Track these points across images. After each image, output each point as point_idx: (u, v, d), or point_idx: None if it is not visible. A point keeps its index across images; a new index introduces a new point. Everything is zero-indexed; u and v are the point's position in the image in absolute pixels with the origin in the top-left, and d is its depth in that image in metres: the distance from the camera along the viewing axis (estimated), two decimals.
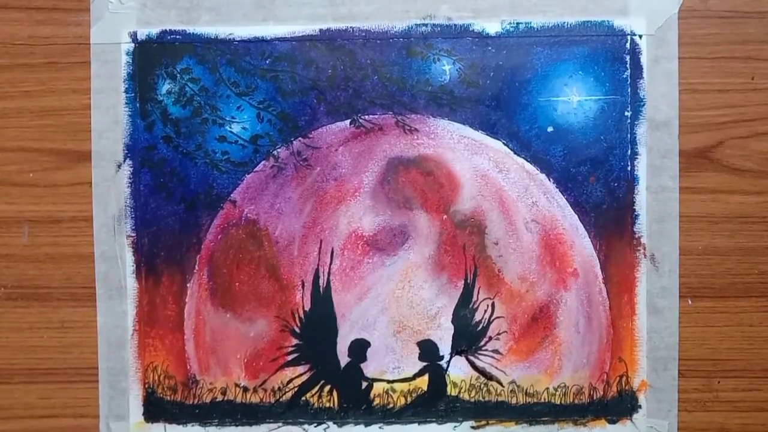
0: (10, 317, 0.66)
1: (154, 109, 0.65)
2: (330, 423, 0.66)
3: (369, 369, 0.65)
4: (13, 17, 0.65)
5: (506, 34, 0.64)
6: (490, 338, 0.65)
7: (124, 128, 0.64)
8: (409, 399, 0.65)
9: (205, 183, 0.65)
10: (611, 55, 0.64)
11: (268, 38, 0.64)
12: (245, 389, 0.65)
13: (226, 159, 0.65)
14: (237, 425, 0.66)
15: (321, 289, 0.65)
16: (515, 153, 0.64)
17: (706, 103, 0.64)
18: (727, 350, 0.65)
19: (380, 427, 0.65)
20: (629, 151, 0.64)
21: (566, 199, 0.64)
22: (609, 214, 0.64)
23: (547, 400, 0.65)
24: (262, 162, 0.65)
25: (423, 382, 0.65)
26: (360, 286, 0.65)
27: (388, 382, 0.65)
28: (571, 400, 0.65)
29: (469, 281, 0.65)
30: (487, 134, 0.64)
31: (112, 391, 0.65)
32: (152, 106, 0.65)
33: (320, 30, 0.64)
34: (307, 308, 0.65)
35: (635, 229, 0.64)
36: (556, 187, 0.64)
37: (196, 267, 0.65)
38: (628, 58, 0.64)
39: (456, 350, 0.65)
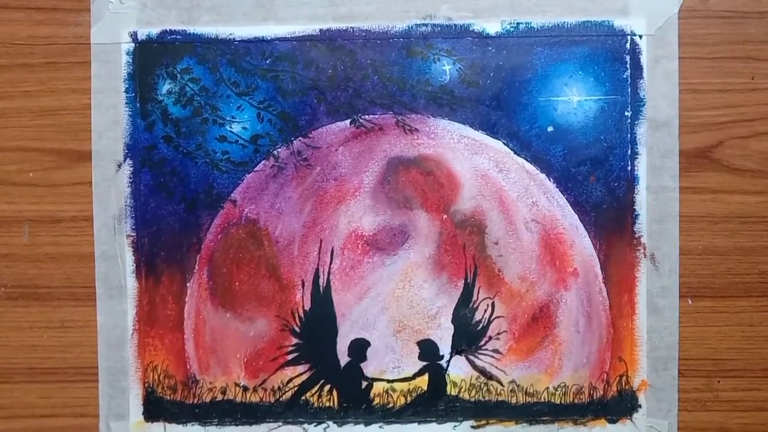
0: (11, 317, 0.66)
1: (154, 109, 0.65)
2: (330, 422, 0.66)
3: (369, 368, 0.65)
4: (13, 17, 0.65)
5: (506, 34, 0.64)
6: (490, 338, 0.65)
7: (124, 128, 0.64)
8: (409, 398, 0.65)
9: (206, 183, 0.65)
10: (611, 55, 0.64)
11: (269, 38, 0.64)
12: (245, 389, 0.65)
13: (226, 159, 0.65)
14: (237, 425, 0.66)
15: (321, 289, 0.65)
16: (515, 153, 0.64)
17: (706, 103, 0.64)
18: (727, 350, 0.65)
19: (380, 427, 0.65)
20: (629, 151, 0.64)
21: (566, 198, 0.64)
22: (609, 213, 0.64)
23: (547, 400, 0.65)
24: (263, 162, 0.65)
25: (423, 382, 0.65)
26: (360, 286, 0.65)
27: (388, 381, 0.65)
28: (571, 400, 0.65)
29: (469, 281, 0.65)
30: (487, 134, 0.64)
31: (112, 390, 0.65)
32: (152, 105, 0.65)
33: (320, 30, 0.64)
34: (307, 308, 0.65)
35: (635, 229, 0.64)
36: (556, 187, 0.64)
37: (196, 266, 0.65)
38: (628, 58, 0.64)
39: (456, 350, 0.65)
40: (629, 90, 0.64)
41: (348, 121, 0.64)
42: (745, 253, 0.65)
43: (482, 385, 0.65)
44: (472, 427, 0.65)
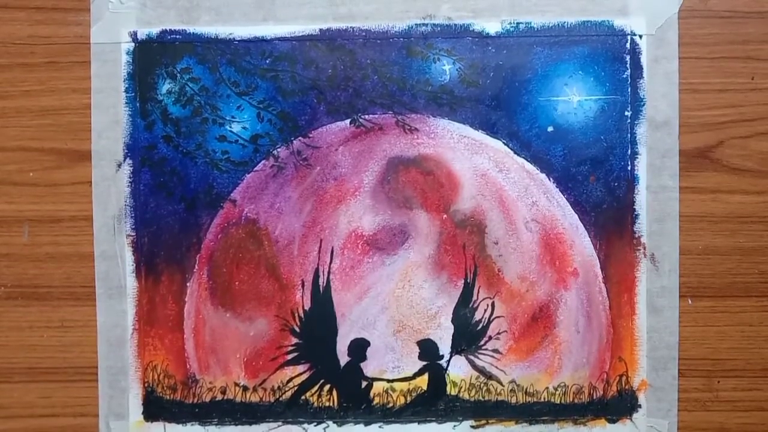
0: (11, 316, 0.66)
1: (154, 109, 0.65)
2: (330, 422, 0.66)
3: (369, 368, 0.65)
4: (13, 17, 0.65)
5: (506, 34, 0.64)
6: (490, 338, 0.65)
7: (124, 128, 0.64)
8: (408, 398, 0.65)
9: (205, 182, 0.65)
10: (611, 55, 0.64)
11: (268, 38, 0.64)
12: (245, 388, 0.65)
13: (226, 158, 0.65)
14: (237, 424, 0.66)
15: (321, 289, 0.65)
16: (515, 153, 0.64)
17: (706, 103, 0.64)
18: (727, 350, 0.65)
19: (380, 427, 0.65)
20: (629, 150, 0.64)
21: (566, 198, 0.64)
22: (609, 213, 0.64)
23: (546, 400, 0.65)
24: (262, 161, 0.65)
25: (423, 382, 0.65)
26: (360, 286, 0.65)
27: (388, 381, 0.65)
28: (571, 400, 0.65)
29: (469, 281, 0.65)
30: (487, 134, 0.64)
31: (111, 390, 0.65)
32: (152, 105, 0.65)
33: (320, 30, 0.64)
34: (306, 307, 0.65)
35: (635, 229, 0.64)
36: (556, 187, 0.64)
37: (196, 266, 0.65)
38: (628, 58, 0.64)
39: (456, 349, 0.65)
40: (629, 90, 0.64)
41: (348, 121, 0.64)
42: (745, 253, 0.65)
43: (482, 384, 0.65)
44: (472, 426, 0.65)
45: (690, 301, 0.65)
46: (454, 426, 0.65)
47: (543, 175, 0.64)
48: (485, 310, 0.65)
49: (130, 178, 0.65)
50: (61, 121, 0.65)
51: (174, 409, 0.66)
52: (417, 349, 0.65)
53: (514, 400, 0.65)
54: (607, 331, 0.65)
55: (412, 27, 0.64)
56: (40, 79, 0.65)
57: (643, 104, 0.64)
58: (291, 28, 0.64)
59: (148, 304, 0.65)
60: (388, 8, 0.64)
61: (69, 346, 0.66)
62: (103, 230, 0.65)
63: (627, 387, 0.65)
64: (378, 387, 0.65)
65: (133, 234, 0.65)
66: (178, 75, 0.64)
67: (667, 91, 0.64)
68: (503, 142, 0.64)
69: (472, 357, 0.65)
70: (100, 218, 0.65)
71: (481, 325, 0.65)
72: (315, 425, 0.66)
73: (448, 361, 0.65)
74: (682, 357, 0.65)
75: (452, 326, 0.65)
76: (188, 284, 0.65)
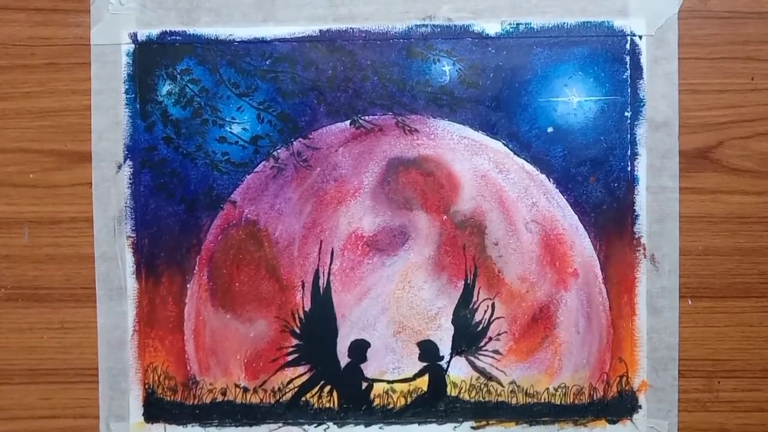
0: (11, 318, 0.66)
1: (154, 110, 0.65)
2: (330, 423, 0.66)
3: (369, 369, 0.65)
4: (12, 18, 0.65)
5: (506, 34, 0.64)
6: (490, 338, 0.65)
7: (124, 129, 0.64)
8: (409, 399, 0.65)
9: (206, 184, 0.65)
10: (611, 56, 0.64)
11: (268, 39, 0.64)
12: (245, 390, 0.65)
13: (226, 160, 0.65)
14: (237, 426, 0.66)
15: (321, 290, 0.65)
16: (515, 153, 0.64)
17: (706, 103, 0.64)
18: (727, 350, 0.65)
19: (380, 428, 0.65)
20: (629, 151, 0.64)
21: (566, 199, 0.64)
22: (609, 214, 0.64)
23: (547, 401, 0.65)
24: (262, 163, 0.65)
25: (423, 383, 0.65)
26: (360, 287, 0.65)
27: (388, 382, 0.65)
28: (571, 401, 0.65)
29: (469, 281, 0.65)
30: (487, 135, 0.64)
31: (112, 391, 0.65)
32: (152, 107, 0.65)
33: (320, 31, 0.64)
34: (307, 309, 0.65)
35: (635, 230, 0.64)
36: (556, 188, 0.64)
37: (196, 268, 0.65)
38: (627, 58, 0.64)
39: (456, 350, 0.65)
40: (629, 90, 0.64)
41: (348, 122, 0.64)
42: (745, 253, 0.65)
43: (482, 385, 0.65)
44: (472, 427, 0.65)
45: (690, 302, 0.65)
46: (455, 427, 0.65)
47: (543, 176, 0.64)
48: (485, 311, 0.65)
49: (130, 179, 0.65)
50: (61, 123, 0.65)
51: (174, 411, 0.66)
52: (417, 350, 0.65)
53: (514, 401, 0.65)
54: (607, 331, 0.65)
55: (412, 28, 0.64)
56: (40, 80, 0.65)
57: (643, 105, 0.64)
58: (291, 29, 0.64)
59: (149, 306, 0.65)
60: (388, 9, 0.64)
61: (69, 347, 0.66)
62: (104, 231, 0.65)
63: (627, 388, 0.65)
64: (378, 388, 0.66)
65: (134, 235, 0.65)
66: (178, 76, 0.64)
67: (667, 91, 0.64)
68: (503, 143, 0.64)
69: (472, 358, 0.65)
70: (100, 219, 0.65)
71: (481, 326, 0.65)
72: (315, 426, 0.66)
73: (449, 362, 0.65)
74: (682, 357, 0.65)
75: (452, 327, 0.65)
76: (188, 285, 0.65)
